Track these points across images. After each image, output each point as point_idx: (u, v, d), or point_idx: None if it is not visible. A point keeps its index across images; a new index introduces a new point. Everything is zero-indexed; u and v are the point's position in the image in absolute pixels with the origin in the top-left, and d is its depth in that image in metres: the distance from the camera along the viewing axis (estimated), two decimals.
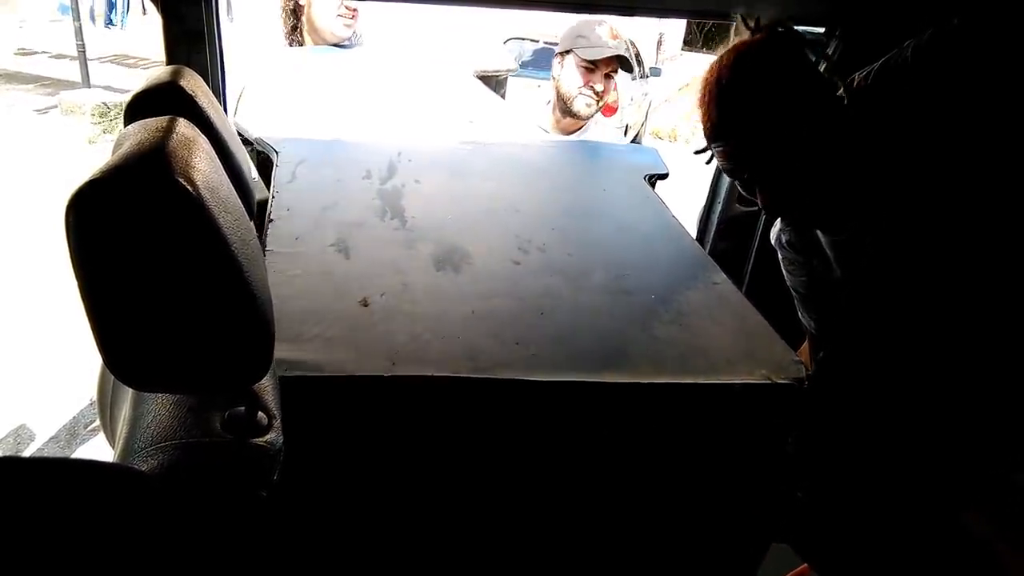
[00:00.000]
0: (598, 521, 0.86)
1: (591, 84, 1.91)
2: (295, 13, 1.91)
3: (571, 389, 0.77)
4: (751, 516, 0.86)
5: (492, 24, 7.00)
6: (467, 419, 0.79)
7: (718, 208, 1.62)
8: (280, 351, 0.75)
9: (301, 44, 1.94)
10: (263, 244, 0.95)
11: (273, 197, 1.09)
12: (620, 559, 0.88)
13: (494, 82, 2.66)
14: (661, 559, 0.88)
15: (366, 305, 0.85)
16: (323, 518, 0.83)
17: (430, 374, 0.75)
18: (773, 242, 1.19)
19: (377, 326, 0.81)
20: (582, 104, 1.93)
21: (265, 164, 1.39)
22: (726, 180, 1.77)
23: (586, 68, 1.90)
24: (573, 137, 2.02)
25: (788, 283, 1.18)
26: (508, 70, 2.94)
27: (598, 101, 1.95)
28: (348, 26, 1.88)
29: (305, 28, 1.91)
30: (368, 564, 0.84)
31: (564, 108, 1.97)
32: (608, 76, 1.94)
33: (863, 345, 0.86)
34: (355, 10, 1.87)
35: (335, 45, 1.91)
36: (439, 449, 0.81)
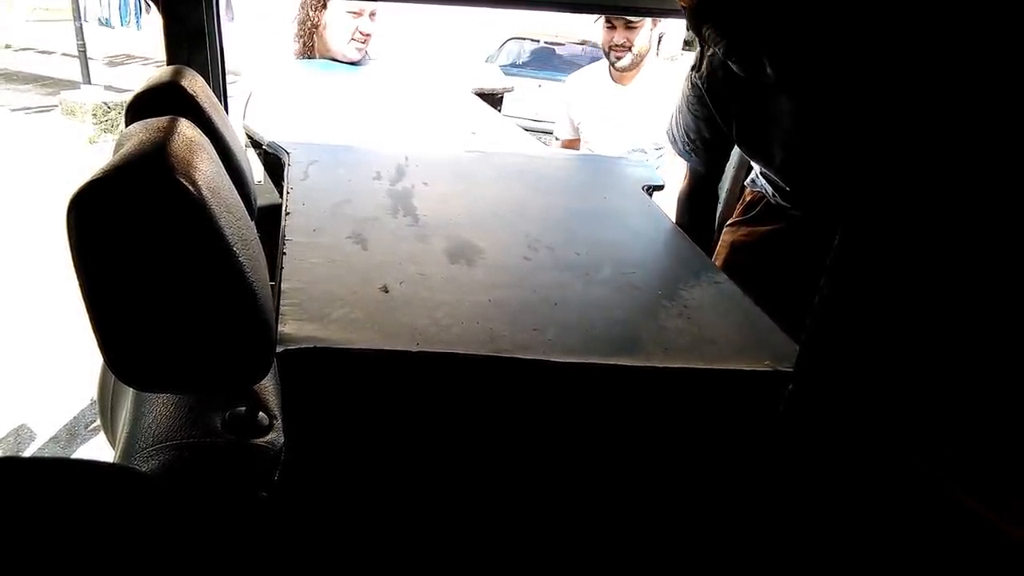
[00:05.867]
0: (615, 504, 0.90)
1: (612, 39, 2.16)
2: (311, 34, 1.96)
3: (594, 372, 0.80)
4: (754, 503, 0.88)
5: (491, 24, 7.03)
6: (487, 398, 0.82)
7: (718, 209, 1.63)
8: (307, 330, 0.76)
9: (311, 57, 2.00)
10: (282, 236, 0.97)
11: (288, 193, 1.12)
12: (629, 538, 0.90)
13: (491, 99, 2.79)
14: (666, 537, 0.92)
15: (386, 291, 0.87)
16: (329, 511, 0.83)
17: (456, 352, 0.77)
18: (695, 77, 1.27)
19: (398, 311, 0.84)
20: (614, 59, 2.19)
21: (274, 168, 1.41)
22: (727, 181, 1.78)
23: (607, 27, 2.16)
24: (630, 78, 2.25)
25: (684, 113, 1.35)
26: (504, 89, 3.09)
27: (628, 51, 2.17)
28: (360, 49, 1.97)
29: (317, 46, 1.97)
30: (376, 560, 0.85)
31: (610, 64, 2.23)
32: (630, 27, 2.14)
33: (847, 344, 0.87)
34: (368, 35, 1.96)
35: (340, 61, 1.99)
36: (456, 430, 0.83)
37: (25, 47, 9.65)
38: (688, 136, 1.38)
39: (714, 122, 1.30)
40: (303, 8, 1.94)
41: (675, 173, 1.75)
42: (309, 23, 1.93)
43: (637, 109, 2.21)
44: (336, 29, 1.92)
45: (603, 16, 2.20)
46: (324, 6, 1.90)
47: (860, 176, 1.02)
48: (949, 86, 0.76)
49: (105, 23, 9.66)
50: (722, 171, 1.49)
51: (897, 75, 0.89)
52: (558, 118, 2.51)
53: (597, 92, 2.32)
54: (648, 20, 2.17)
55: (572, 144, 2.46)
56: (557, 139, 2.54)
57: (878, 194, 0.85)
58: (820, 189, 1.22)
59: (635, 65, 2.22)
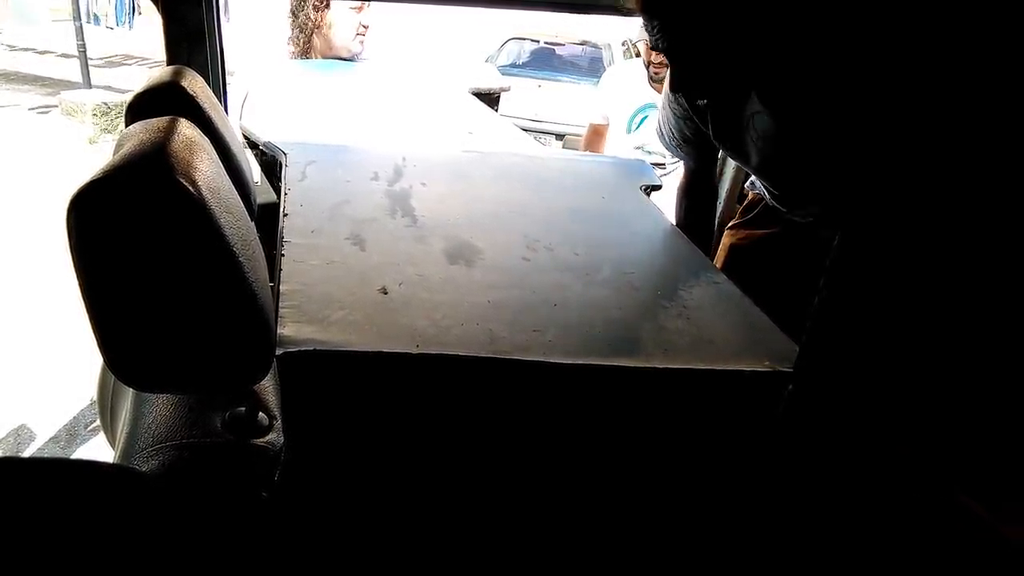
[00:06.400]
0: (615, 505, 0.90)
1: (652, 57, 2.25)
2: (311, 34, 1.98)
3: (594, 373, 0.81)
4: (752, 504, 0.88)
5: (491, 24, 7.02)
6: (487, 399, 0.82)
7: (718, 208, 1.63)
8: (307, 332, 0.76)
9: (308, 57, 2.01)
10: (280, 236, 0.97)
11: (286, 193, 1.12)
12: (630, 539, 0.90)
13: (487, 99, 2.81)
14: (666, 537, 0.92)
15: (385, 293, 0.87)
16: (328, 511, 0.83)
17: (456, 353, 0.77)
18: (672, 90, 1.29)
19: (398, 312, 0.84)
20: (654, 74, 2.29)
21: (271, 168, 1.41)
22: (726, 181, 1.78)
23: (648, 46, 2.20)
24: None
25: (666, 121, 1.38)
26: (500, 88, 3.10)
27: (667, 68, 2.17)
28: (362, 42, 2.01)
29: (317, 43, 1.99)
30: (376, 560, 0.85)
31: (648, 76, 2.35)
32: None
33: (846, 346, 0.87)
34: (367, 26, 1.99)
35: (340, 59, 2.00)
36: (455, 431, 0.83)
37: (26, 47, 9.63)
38: (672, 133, 1.39)
39: (694, 120, 1.31)
40: (303, 10, 1.94)
41: None
42: (311, 24, 1.94)
43: None
44: (342, 26, 1.95)
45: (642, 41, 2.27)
46: (327, 5, 1.91)
47: (837, 179, 1.02)
48: (921, 87, 0.76)
49: (104, 23, 9.67)
50: (714, 166, 1.51)
51: (862, 77, 0.90)
52: (593, 104, 2.62)
53: (635, 93, 2.39)
54: None
55: (600, 129, 2.57)
56: (563, 135, 2.60)
57: (867, 196, 0.86)
58: (799, 190, 1.22)
59: None
